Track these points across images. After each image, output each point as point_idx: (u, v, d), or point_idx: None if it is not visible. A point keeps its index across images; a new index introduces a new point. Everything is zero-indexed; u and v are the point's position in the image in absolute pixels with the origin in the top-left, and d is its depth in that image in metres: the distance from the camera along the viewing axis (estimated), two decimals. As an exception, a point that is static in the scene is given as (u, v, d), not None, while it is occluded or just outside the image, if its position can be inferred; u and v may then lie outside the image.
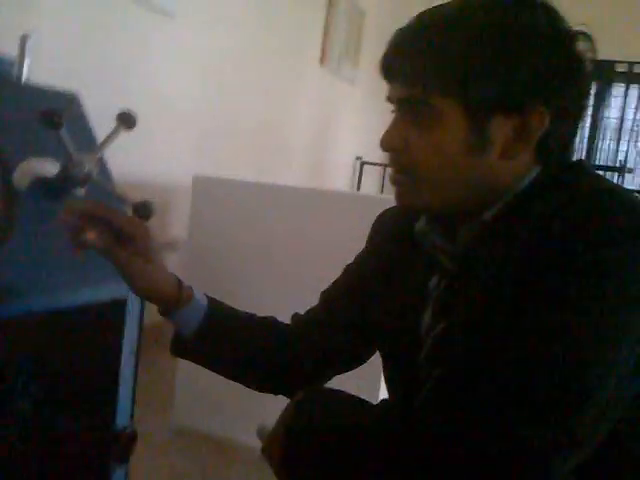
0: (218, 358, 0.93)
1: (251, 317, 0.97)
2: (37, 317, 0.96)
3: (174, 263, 2.81)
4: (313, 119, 4.53)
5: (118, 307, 0.94)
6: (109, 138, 0.97)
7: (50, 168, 0.92)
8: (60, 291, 0.85)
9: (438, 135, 0.74)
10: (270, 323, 0.98)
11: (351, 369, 0.98)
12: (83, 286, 0.89)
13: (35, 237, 0.85)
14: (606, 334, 0.66)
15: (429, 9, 0.76)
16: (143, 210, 0.90)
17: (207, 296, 0.90)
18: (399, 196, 0.80)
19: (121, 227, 0.79)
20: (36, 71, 1.14)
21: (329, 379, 0.98)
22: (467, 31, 0.72)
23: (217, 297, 0.94)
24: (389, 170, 0.82)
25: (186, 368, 2.09)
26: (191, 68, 3.05)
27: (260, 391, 0.97)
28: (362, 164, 5.31)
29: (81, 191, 0.96)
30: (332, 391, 0.80)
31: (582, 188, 0.73)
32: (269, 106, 3.85)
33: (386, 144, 0.78)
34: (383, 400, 0.82)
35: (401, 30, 0.76)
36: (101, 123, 1.04)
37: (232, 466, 1.84)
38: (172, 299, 0.85)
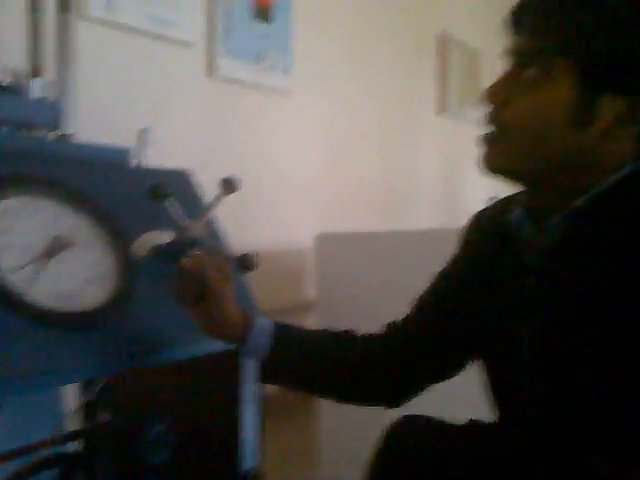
0: (301, 375, 0.95)
1: (329, 332, 0.99)
2: (160, 371, 1.06)
3: (310, 323, 2.91)
4: (440, 168, 4.54)
5: (232, 356, 1.01)
6: (213, 203, 1.08)
7: (167, 238, 1.05)
8: (179, 345, 0.94)
9: (545, 95, 0.71)
10: (352, 335, 0.99)
11: (448, 378, 0.96)
12: (200, 339, 0.98)
13: (155, 297, 0.95)
14: None
15: None
16: (246, 262, 0.99)
17: (274, 321, 0.95)
18: (486, 156, 0.78)
19: (206, 287, 0.88)
20: (157, 159, 1.30)
21: (425, 388, 0.96)
22: None
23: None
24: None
25: (328, 424, 2.13)
26: (308, 137, 3.22)
27: (357, 404, 0.99)
28: (497, 204, 5.18)
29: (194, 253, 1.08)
30: (421, 417, 0.80)
31: None
32: (391, 164, 3.94)
33: (490, 95, 0.76)
34: (471, 421, 0.81)
35: None
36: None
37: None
38: (239, 331, 0.91)
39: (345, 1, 3.45)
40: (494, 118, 0.76)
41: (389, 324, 1.00)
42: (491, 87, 0.76)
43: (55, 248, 0.86)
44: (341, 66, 3.47)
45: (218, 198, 1.08)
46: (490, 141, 0.77)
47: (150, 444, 0.99)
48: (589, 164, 0.73)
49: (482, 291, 0.86)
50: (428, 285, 0.98)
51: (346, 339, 0.99)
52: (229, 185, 1.08)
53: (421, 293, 0.99)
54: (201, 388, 1.05)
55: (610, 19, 0.68)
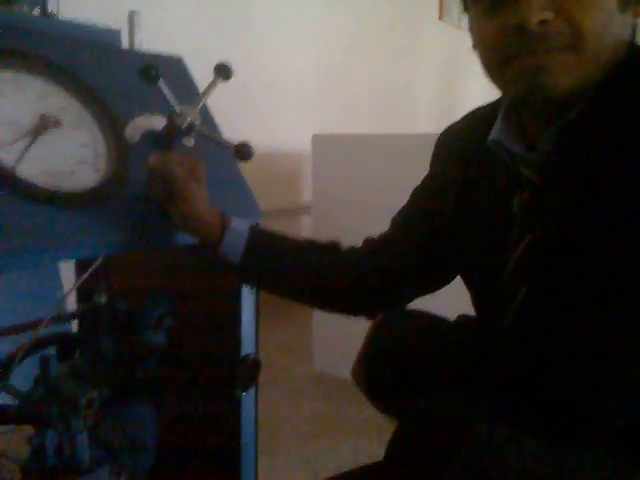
0: (274, 280, 0.95)
1: (307, 241, 0.98)
2: (158, 255, 1.06)
3: (306, 225, 2.91)
4: (440, 75, 4.43)
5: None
6: (208, 89, 1.04)
7: (160, 123, 1.02)
8: (175, 232, 0.93)
9: None
10: (331, 245, 0.98)
11: (429, 292, 0.96)
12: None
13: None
14: None
15: None
16: (243, 151, 0.97)
17: (251, 225, 0.94)
18: (554, 70, 0.66)
19: (174, 183, 0.86)
20: (146, 44, 1.24)
21: (408, 302, 0.97)
22: None
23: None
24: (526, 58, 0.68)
25: (322, 320, 2.18)
26: (307, 34, 3.11)
27: (335, 313, 0.99)
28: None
29: (190, 140, 1.05)
30: (411, 311, 0.80)
31: None
32: (390, 69, 3.83)
33: (537, 14, 0.64)
34: (461, 316, 0.81)
35: None
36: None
37: (367, 409, 1.90)
38: (213, 232, 0.90)
39: None
40: (552, 36, 0.66)
41: (366, 239, 0.99)
42: (530, 7, 0.66)
43: (43, 126, 0.84)
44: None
45: (213, 84, 1.04)
46: (555, 63, 0.67)
47: (147, 327, 1.00)
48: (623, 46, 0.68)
49: (461, 209, 0.85)
50: (406, 203, 0.97)
51: (326, 250, 0.98)
52: (224, 71, 1.04)
53: (399, 211, 0.98)
54: (200, 274, 1.06)
55: None
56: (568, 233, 0.69)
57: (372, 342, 0.82)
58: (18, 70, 0.86)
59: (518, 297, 0.75)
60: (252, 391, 1.08)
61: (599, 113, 0.68)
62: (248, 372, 1.06)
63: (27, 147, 0.80)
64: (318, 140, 2.19)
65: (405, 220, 0.97)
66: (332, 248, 0.99)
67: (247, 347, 1.08)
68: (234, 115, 2.40)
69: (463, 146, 0.87)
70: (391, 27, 3.81)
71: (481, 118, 0.84)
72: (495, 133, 0.78)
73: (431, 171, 0.95)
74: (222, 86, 1.03)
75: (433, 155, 0.95)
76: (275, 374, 2.16)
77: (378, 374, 0.80)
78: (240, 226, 0.92)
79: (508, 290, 0.77)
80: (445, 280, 0.96)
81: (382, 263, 0.95)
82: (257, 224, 1.03)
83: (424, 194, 0.95)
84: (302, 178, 3.00)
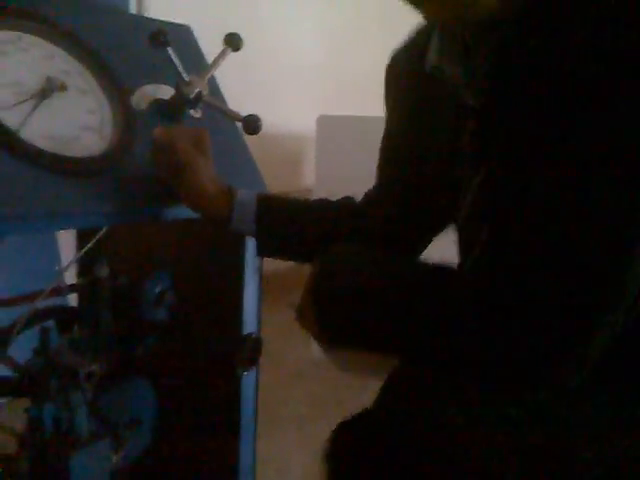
0: (289, 245, 0.92)
1: (318, 200, 0.96)
2: (161, 228, 1.03)
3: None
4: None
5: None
6: (217, 59, 1.01)
7: (167, 92, 0.99)
8: (180, 205, 0.91)
9: None
10: (344, 204, 0.96)
11: (431, 237, 0.90)
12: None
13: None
14: None
15: None
16: (251, 123, 0.94)
17: (257, 194, 0.90)
18: None
19: (178, 157, 0.83)
20: (154, 12, 1.21)
21: (419, 250, 0.92)
22: None
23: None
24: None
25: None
26: (315, 12, 3.07)
27: None
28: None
29: (197, 111, 1.02)
30: (357, 248, 0.73)
31: None
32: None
33: None
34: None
35: None
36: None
37: (365, 392, 1.88)
38: (220, 207, 0.86)
39: None
40: None
41: (367, 193, 0.97)
42: None
43: (48, 89, 0.81)
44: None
45: (222, 54, 1.01)
46: None
47: (148, 303, 0.97)
48: None
49: (414, 147, 0.79)
50: (380, 151, 0.92)
51: (337, 207, 0.95)
52: (234, 41, 1.01)
53: (379, 160, 0.94)
54: (204, 250, 1.03)
55: None
56: (513, 169, 0.61)
57: (318, 276, 0.74)
58: (23, 31, 0.83)
59: (481, 237, 0.65)
60: (253, 371, 1.06)
61: (535, 25, 0.58)
62: (250, 351, 1.04)
63: (32, 109, 0.77)
64: (324, 121, 2.16)
65: (379, 172, 0.94)
66: (342, 205, 0.96)
67: (249, 326, 1.05)
68: (236, 92, 2.37)
69: (409, 71, 0.79)
70: (398, 6, 3.76)
71: (425, 35, 0.75)
72: (433, 57, 0.70)
73: (386, 110, 0.89)
74: (225, 61, 1.00)
75: (385, 89, 0.88)
76: (274, 357, 2.14)
77: (326, 309, 0.73)
78: (247, 197, 0.88)
79: (467, 232, 0.72)
80: (439, 225, 0.88)
81: (376, 218, 0.92)
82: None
83: (387, 141, 0.91)
84: (304, 161, 2.96)
